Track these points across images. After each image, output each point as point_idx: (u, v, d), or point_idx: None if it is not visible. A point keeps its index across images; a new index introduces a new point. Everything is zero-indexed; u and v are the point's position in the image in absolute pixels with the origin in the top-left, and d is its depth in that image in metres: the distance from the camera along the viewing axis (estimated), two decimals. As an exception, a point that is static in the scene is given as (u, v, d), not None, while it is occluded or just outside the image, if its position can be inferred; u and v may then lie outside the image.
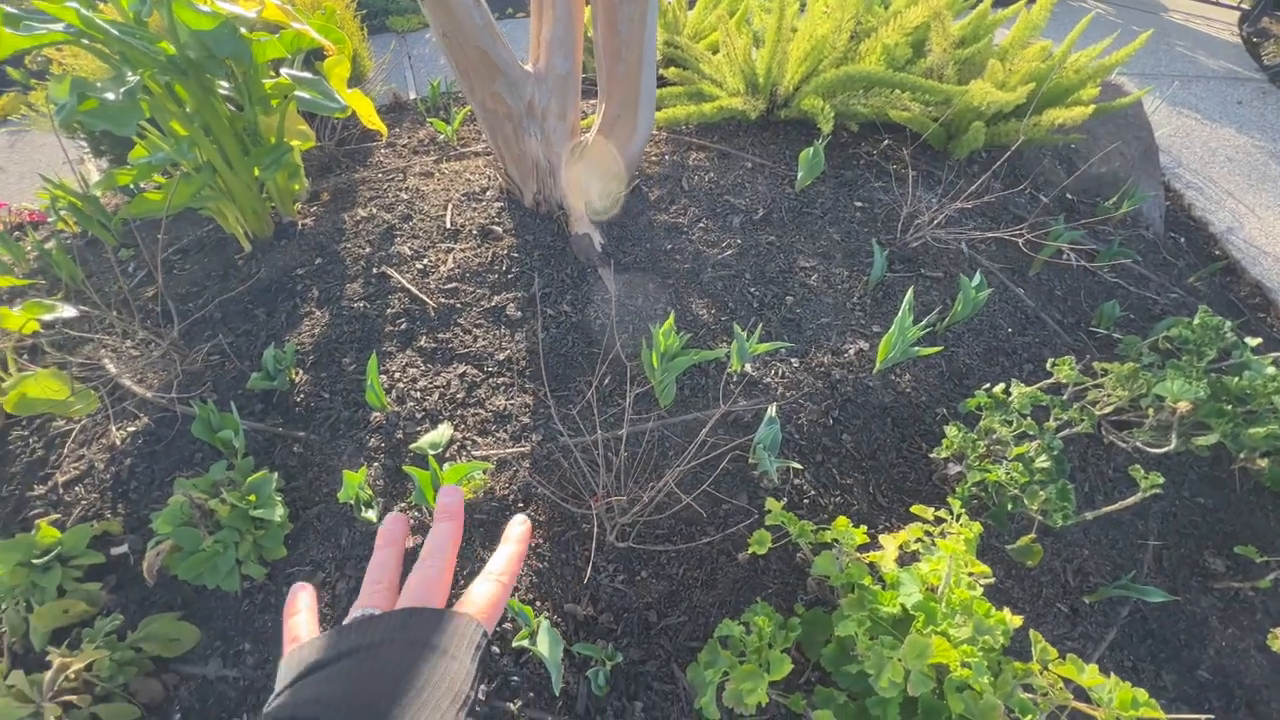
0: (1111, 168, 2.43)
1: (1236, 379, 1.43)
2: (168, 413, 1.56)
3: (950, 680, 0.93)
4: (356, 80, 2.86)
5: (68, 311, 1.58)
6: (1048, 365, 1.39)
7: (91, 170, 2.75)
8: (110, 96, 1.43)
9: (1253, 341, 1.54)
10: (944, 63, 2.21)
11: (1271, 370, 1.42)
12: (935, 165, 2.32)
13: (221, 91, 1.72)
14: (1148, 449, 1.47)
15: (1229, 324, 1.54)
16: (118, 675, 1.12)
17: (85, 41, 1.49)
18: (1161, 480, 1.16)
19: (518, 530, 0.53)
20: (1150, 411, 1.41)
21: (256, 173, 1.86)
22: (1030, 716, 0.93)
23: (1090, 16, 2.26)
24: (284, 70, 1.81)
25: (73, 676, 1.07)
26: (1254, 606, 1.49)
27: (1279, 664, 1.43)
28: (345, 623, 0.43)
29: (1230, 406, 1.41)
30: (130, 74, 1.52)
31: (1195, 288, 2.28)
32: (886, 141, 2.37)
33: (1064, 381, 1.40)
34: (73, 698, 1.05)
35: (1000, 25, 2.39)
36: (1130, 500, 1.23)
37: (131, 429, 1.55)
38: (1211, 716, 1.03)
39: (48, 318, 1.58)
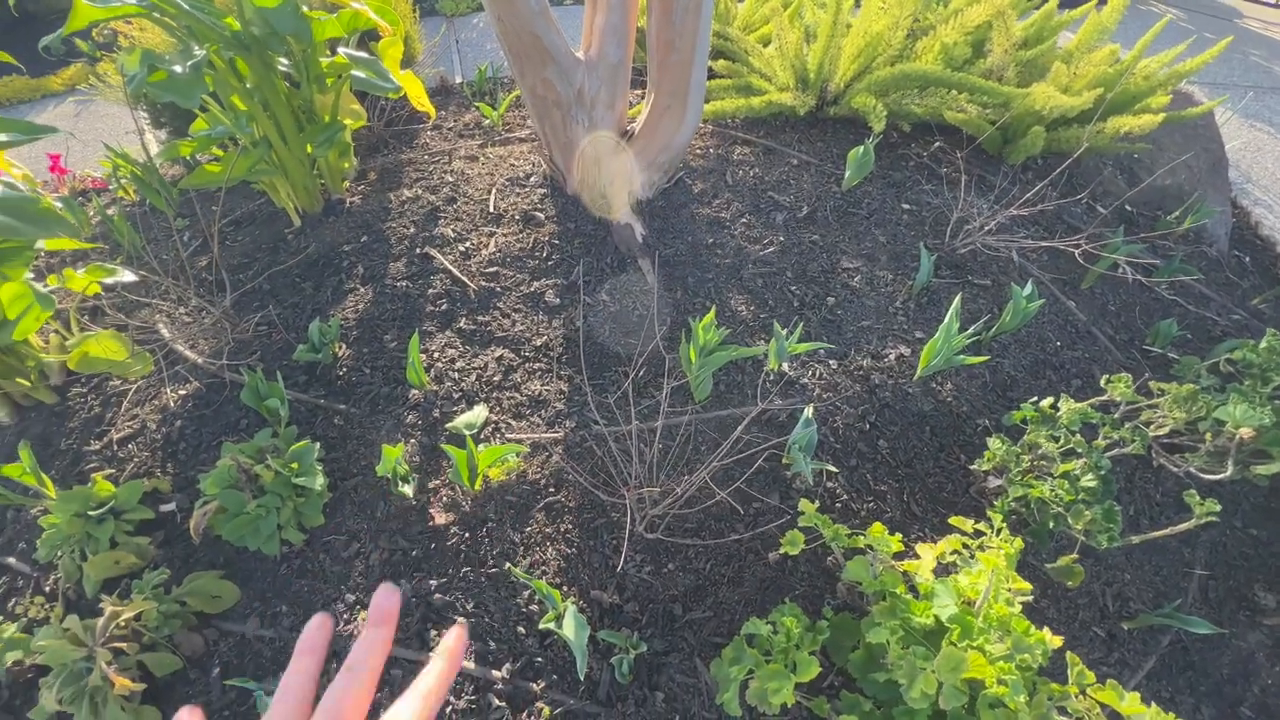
0: (1176, 180, 2.33)
1: (1303, 407, 1.36)
2: (216, 379, 1.61)
3: (984, 696, 0.91)
4: (407, 62, 2.90)
5: (127, 276, 1.65)
6: (1101, 382, 1.34)
7: (151, 141, 2.85)
8: (178, 69, 1.47)
9: (1323, 369, 1.46)
10: (1005, 64, 2.14)
11: (1343, 400, 1.35)
12: (989, 170, 2.25)
13: (280, 68, 1.76)
14: (1201, 475, 1.41)
15: (1298, 349, 1.46)
16: (164, 627, 1.17)
17: (156, 15, 1.53)
18: (1218, 508, 1.12)
19: (452, 644, 0.48)
20: (1208, 436, 1.35)
21: (309, 149, 1.90)
22: (1066, 740, 0.91)
23: (1165, 20, 2.16)
24: (341, 49, 1.84)
25: (123, 625, 1.12)
26: (1306, 646, 1.43)
27: (1329, 708, 1.37)
28: None
29: (1295, 436, 1.35)
30: (197, 48, 1.57)
31: (1259, 310, 2.17)
32: (938, 143, 2.30)
33: (1117, 400, 1.35)
34: (122, 645, 1.10)
35: (1066, 27, 2.30)
36: (1183, 526, 1.19)
37: (182, 392, 1.61)
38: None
39: (108, 281, 1.64)
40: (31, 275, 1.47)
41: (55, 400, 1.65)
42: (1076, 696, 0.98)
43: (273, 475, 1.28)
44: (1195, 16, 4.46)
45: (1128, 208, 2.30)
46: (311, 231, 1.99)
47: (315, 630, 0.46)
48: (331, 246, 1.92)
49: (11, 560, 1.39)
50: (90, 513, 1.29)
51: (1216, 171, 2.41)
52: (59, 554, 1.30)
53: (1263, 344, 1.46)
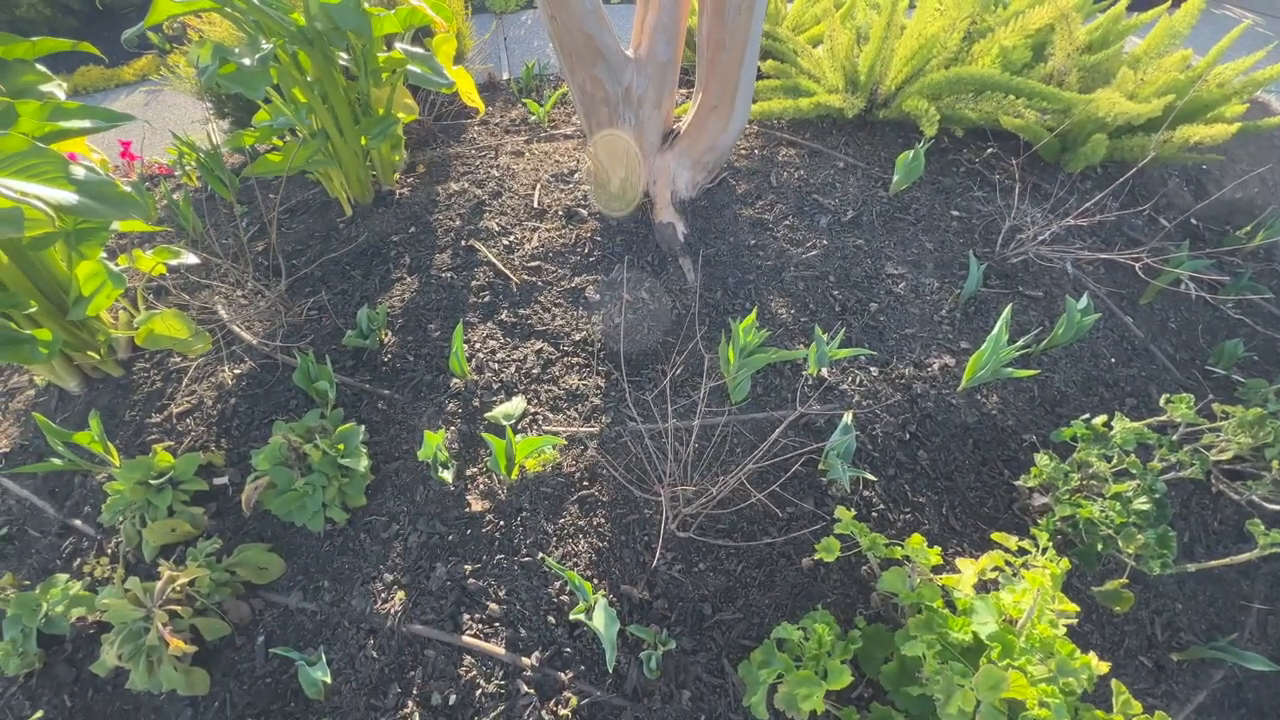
0: (1248, 194, 2.21)
1: (1383, 438, 1.28)
2: (269, 359, 1.68)
3: (1024, 718, 0.88)
4: (457, 59, 2.95)
5: (191, 259, 1.72)
6: (1161, 401, 1.29)
7: (215, 130, 2.97)
8: (246, 62, 1.53)
9: None
10: (1066, 69, 2.07)
11: None
12: (1044, 178, 2.18)
13: (340, 62, 1.82)
14: (1265, 503, 1.34)
15: (1380, 377, 1.38)
16: (215, 593, 1.23)
17: (228, 9, 1.60)
18: (1284, 539, 1.06)
19: None
20: (1274, 464, 1.28)
21: (364, 141, 1.96)
22: (1109, 769, 0.88)
23: (1244, 25, 2.05)
24: (397, 45, 1.89)
25: (178, 589, 1.17)
26: (1374, 692, 1.34)
27: (1398, 759, 1.28)
28: None
29: (1372, 468, 1.27)
30: (264, 42, 1.63)
31: (1335, 334, 2.05)
32: (991, 149, 2.24)
33: (1176, 421, 1.30)
34: (177, 607, 1.15)
35: (1134, 31, 2.21)
36: (1244, 556, 1.13)
37: (237, 371, 1.68)
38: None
39: (173, 263, 1.72)
40: (104, 255, 1.56)
41: (121, 374, 1.74)
42: (1122, 726, 0.95)
43: (320, 455, 1.33)
44: (1275, 22, 4.22)
45: (1193, 221, 2.20)
46: (362, 221, 2.05)
47: None
48: (381, 236, 1.98)
49: (78, 522, 1.48)
50: (150, 481, 1.36)
51: (1293, 186, 2.28)
52: (121, 519, 1.37)
53: (1340, 369, 1.38)
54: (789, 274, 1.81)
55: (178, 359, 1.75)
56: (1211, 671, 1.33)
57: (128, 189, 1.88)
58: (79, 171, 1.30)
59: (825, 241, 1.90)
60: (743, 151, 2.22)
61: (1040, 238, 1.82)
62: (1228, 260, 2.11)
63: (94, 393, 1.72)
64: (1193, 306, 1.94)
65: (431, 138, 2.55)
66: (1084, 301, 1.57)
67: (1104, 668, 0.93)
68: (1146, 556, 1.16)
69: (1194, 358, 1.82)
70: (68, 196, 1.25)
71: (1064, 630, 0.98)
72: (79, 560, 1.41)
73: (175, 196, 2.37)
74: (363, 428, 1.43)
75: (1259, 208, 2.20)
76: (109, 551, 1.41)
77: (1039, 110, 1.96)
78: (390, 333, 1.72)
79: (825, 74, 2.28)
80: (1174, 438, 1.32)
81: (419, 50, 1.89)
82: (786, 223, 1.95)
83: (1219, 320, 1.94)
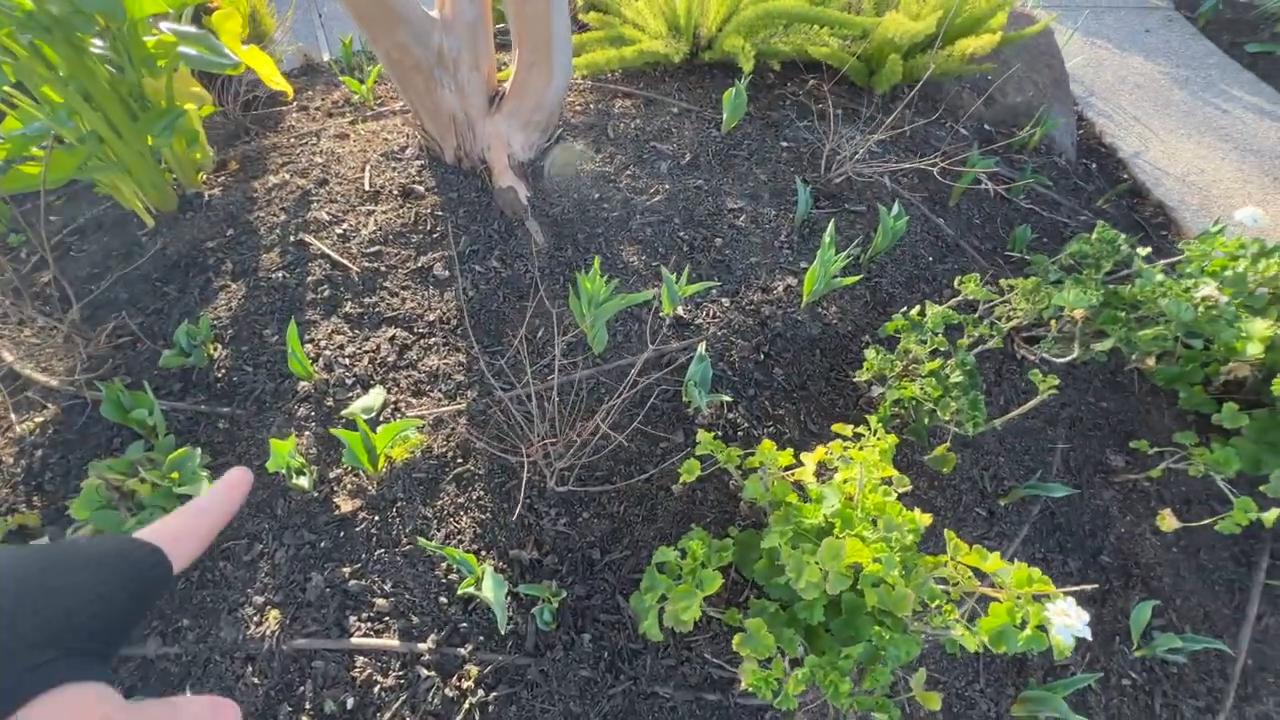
0: (1026, 97, 2.50)
1: (1129, 287, 1.53)
2: (77, 399, 1.49)
3: (865, 576, 0.99)
4: (257, 39, 2.67)
5: (-49, 301, 1.47)
6: (955, 283, 1.45)
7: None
8: (-39, 58, 1.30)
9: (1143, 251, 1.64)
10: (862, -4, 2.21)
11: (1160, 277, 1.52)
12: (859, 102, 2.34)
13: (96, 51, 1.59)
14: (1053, 359, 1.57)
15: (1124, 238, 1.64)
16: (48, 662, 1.09)
17: (-75, -2, 1.34)
18: (1057, 381, 1.25)
19: (233, 478, 0.53)
20: (1053, 323, 1.50)
21: (150, 141, 1.73)
22: (938, 602, 1.01)
23: (1001, -57, 2.28)
24: (164, 25, 1.68)
25: None
26: (1149, 495, 1.64)
27: (1170, 543, 1.58)
28: None
29: (1124, 313, 1.52)
30: (-17, 33, 1.39)
31: (1104, 210, 2.40)
32: (812, 81, 2.37)
33: (974, 299, 1.47)
34: None
35: (916, -43, 2.39)
36: (1031, 403, 1.32)
37: (40, 419, 1.47)
38: (1094, 586, 1.13)
39: (-72, 309, 1.47)
40: None
41: (-114, 449, 1.47)
42: (952, 566, 1.09)
43: (150, 488, 1.20)
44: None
45: (986, 127, 2.47)
46: (168, 231, 1.84)
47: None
48: (193, 245, 1.79)
49: None
50: (-57, 560, 1.17)
51: (1059, 86, 2.61)
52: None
53: (1094, 235, 1.63)
54: (636, 222, 1.84)
55: (-40, 419, 1.50)
56: (1030, 508, 1.56)
57: None
58: None
59: (668, 186, 1.94)
60: (578, 108, 2.20)
61: (857, 156, 1.97)
62: (1016, 158, 2.40)
63: None
64: (992, 203, 2.19)
65: (243, 130, 2.31)
66: (896, 209, 1.73)
67: (926, 519, 1.06)
68: (962, 420, 1.32)
69: (996, 247, 2.06)
70: None
71: (895, 496, 1.11)
72: None
73: (-75, 235, 2.00)
74: (200, 451, 1.31)
75: (1035, 109, 2.50)
76: (-93, 650, 1.22)
77: (841, 37, 2.09)
78: (220, 346, 1.57)
79: (648, 21, 2.29)
80: (976, 315, 1.51)
81: (192, 30, 1.69)
82: (628, 172, 1.97)
83: (1014, 212, 2.21)
